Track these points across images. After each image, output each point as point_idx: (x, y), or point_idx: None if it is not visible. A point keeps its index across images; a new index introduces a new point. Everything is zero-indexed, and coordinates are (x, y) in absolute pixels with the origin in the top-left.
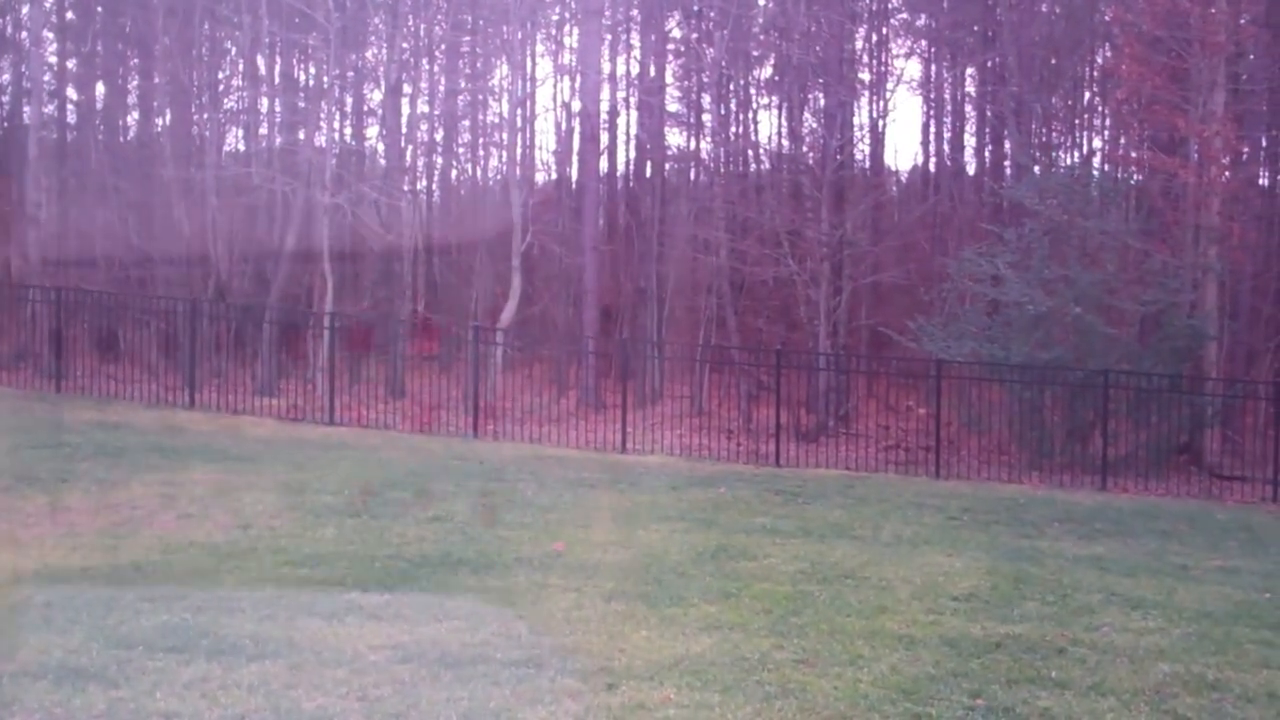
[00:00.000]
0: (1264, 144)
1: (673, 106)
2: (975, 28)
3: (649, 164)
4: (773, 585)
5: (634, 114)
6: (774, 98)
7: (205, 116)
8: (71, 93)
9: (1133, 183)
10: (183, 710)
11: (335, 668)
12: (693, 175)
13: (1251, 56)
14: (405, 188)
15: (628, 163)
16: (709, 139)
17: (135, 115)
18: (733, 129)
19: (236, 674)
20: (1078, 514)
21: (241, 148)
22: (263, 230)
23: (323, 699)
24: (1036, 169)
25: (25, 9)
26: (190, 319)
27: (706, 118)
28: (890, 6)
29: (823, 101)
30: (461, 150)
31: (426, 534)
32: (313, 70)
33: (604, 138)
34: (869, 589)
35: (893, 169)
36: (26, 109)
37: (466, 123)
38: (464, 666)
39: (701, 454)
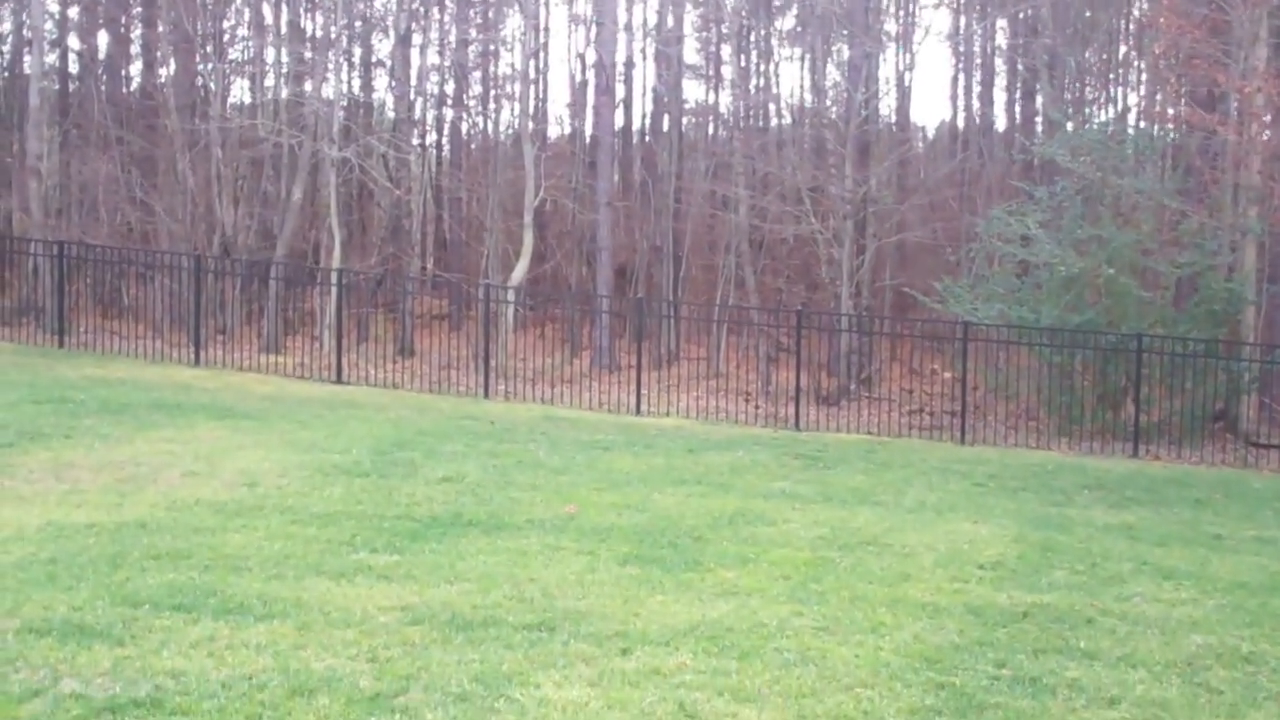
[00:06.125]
0: None
1: (691, 58)
2: None
3: (666, 117)
4: (792, 551)
5: (651, 66)
6: (796, 49)
7: (210, 67)
8: (73, 42)
9: (1170, 140)
10: (189, 669)
11: (344, 628)
12: (711, 129)
13: None
14: (415, 141)
15: (644, 116)
16: (728, 92)
17: (138, 65)
18: (753, 81)
19: (244, 633)
20: (1108, 481)
21: (247, 99)
22: (269, 184)
23: (332, 660)
24: (1069, 125)
25: None
26: (195, 274)
27: (726, 70)
28: None
29: (847, 53)
30: (472, 103)
31: (436, 494)
32: (320, 20)
33: (619, 90)
34: (891, 556)
35: (919, 124)
36: (28, 58)
37: (478, 74)
38: (475, 629)
39: (718, 417)
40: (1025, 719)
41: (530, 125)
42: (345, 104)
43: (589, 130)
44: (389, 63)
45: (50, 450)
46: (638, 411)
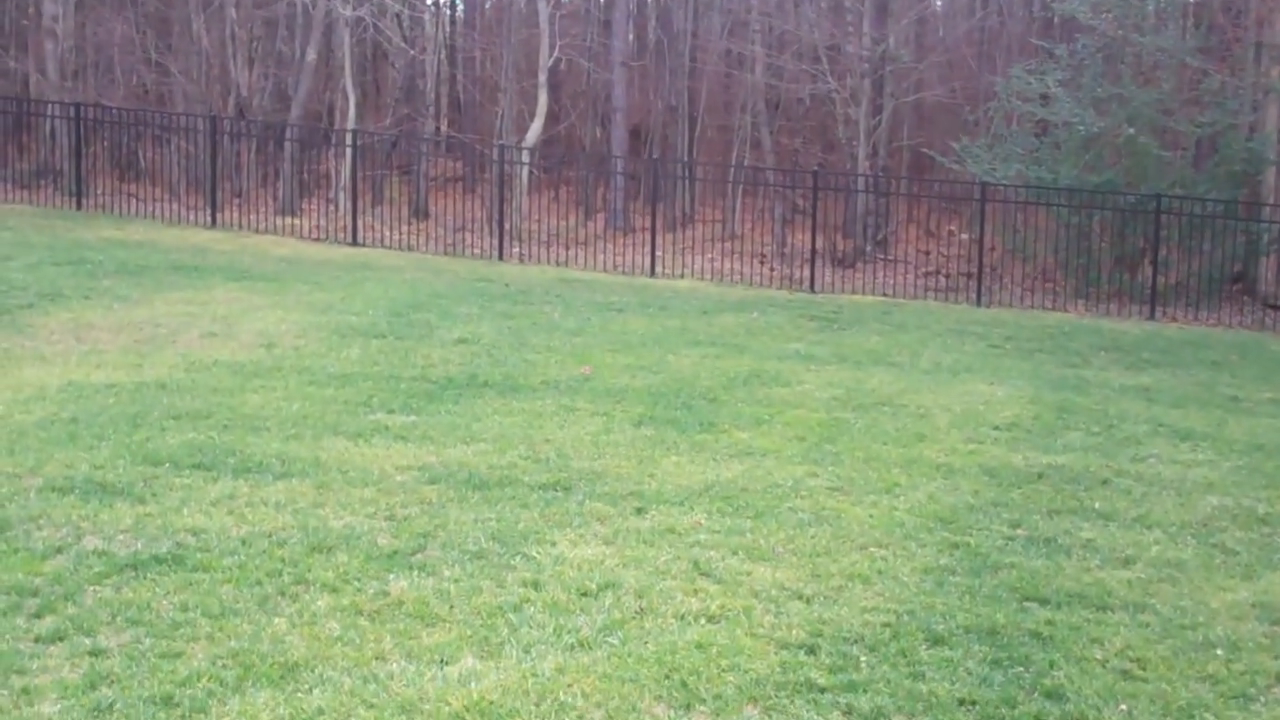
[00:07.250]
0: None
1: None
2: None
3: None
4: (807, 412)
5: None
6: None
7: None
8: None
9: None
10: (210, 526)
11: (362, 487)
12: None
13: None
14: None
15: None
16: None
17: None
18: None
19: (263, 492)
20: (1125, 343)
21: None
22: (283, 45)
23: (350, 518)
24: None
25: None
26: (211, 136)
27: None
28: None
29: None
30: None
31: (452, 356)
32: None
33: None
34: (906, 417)
35: None
36: None
37: None
38: (491, 488)
39: (733, 279)
40: (1039, 579)
41: None
42: None
43: None
44: None
45: (70, 311)
46: (652, 273)
